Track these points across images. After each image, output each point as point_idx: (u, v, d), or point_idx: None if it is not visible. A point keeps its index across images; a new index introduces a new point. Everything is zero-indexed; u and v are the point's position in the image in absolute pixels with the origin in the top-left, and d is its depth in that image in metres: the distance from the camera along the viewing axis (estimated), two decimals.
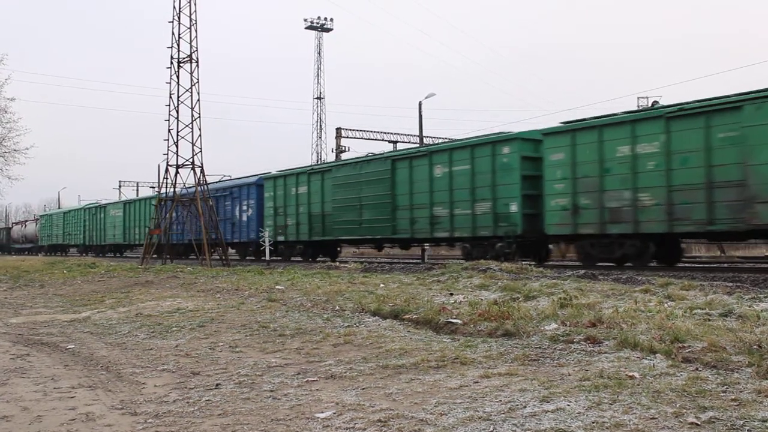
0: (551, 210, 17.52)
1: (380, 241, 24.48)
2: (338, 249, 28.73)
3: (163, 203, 27.45)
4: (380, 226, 22.53)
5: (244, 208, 30.08)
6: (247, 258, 30.80)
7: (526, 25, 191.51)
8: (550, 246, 20.60)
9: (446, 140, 36.22)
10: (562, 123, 17.77)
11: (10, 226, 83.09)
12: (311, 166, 27.04)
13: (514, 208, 18.30)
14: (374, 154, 24.33)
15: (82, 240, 51.17)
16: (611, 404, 4.13)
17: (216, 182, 33.72)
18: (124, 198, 67.71)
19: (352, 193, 23.85)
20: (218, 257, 26.39)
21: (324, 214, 25.22)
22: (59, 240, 56.72)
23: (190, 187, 28.30)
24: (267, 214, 28.31)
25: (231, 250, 32.57)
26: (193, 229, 28.68)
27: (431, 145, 20.92)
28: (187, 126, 25.89)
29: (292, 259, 27.50)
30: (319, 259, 27.26)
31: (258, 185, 29.44)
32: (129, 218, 42.67)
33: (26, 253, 67.85)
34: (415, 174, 21.32)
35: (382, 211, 22.42)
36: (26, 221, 75.43)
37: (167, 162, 26.15)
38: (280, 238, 27.31)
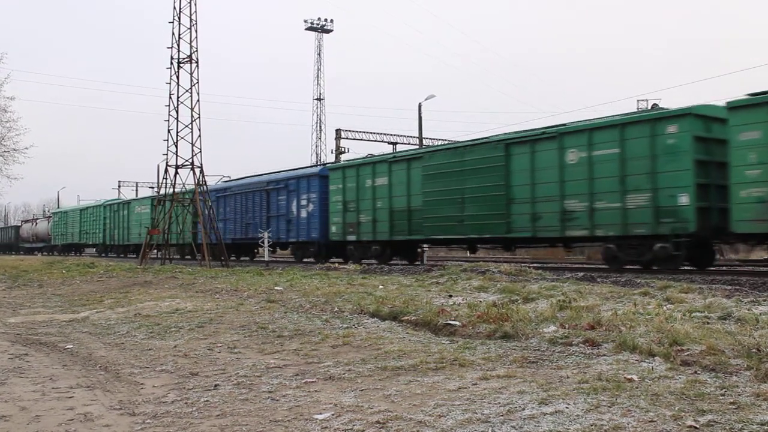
0: (742, 203, 14.06)
1: (488, 241, 20.44)
2: (420, 250, 24.64)
3: (161, 203, 27.34)
4: (489, 224, 18.87)
5: (303, 202, 26.07)
6: (305, 260, 26.65)
7: (525, 30, 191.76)
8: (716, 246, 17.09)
9: (447, 142, 36.20)
10: (749, 95, 14.31)
11: (19, 224, 78.42)
12: (393, 153, 23.06)
13: (684, 200, 14.92)
14: (484, 139, 20.00)
15: (101, 239, 46.83)
16: (610, 407, 4.13)
17: (268, 173, 29.92)
18: (122, 197, 67.37)
19: (451, 184, 20.07)
20: (219, 260, 26.33)
21: (410, 210, 21.58)
22: (75, 239, 52.47)
23: (214, 185, 27.29)
24: (333, 210, 24.57)
25: (281, 251, 30.66)
26: (239, 227, 27.97)
27: (559, 125, 17.58)
28: (186, 126, 25.90)
29: (364, 261, 23.49)
30: (394, 262, 23.60)
31: (322, 176, 25.59)
32: (162, 215, 39.10)
33: (36, 253, 63.45)
34: (538, 160, 17.81)
35: (493, 206, 18.70)
36: (37, 219, 71.28)
37: (167, 162, 26.15)
38: (351, 238, 23.82)
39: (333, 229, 24.54)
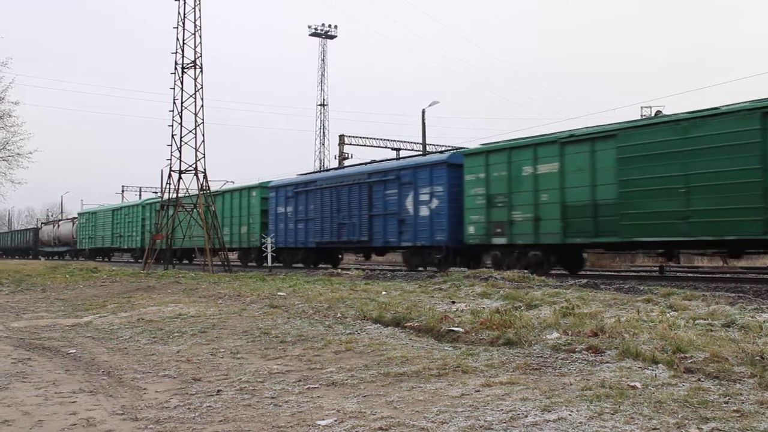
0: None
1: (728, 244, 15.28)
2: (582, 256, 19.93)
3: (164, 208, 27.32)
4: (733, 221, 14.36)
5: (424, 197, 21.49)
6: (429, 269, 21.72)
7: (528, 38, 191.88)
8: None
9: (450, 148, 36.23)
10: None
11: (39, 226, 72.36)
12: (570, 131, 17.95)
13: None
14: (727, 108, 14.94)
15: (139, 242, 41.09)
16: (613, 414, 4.12)
17: (370, 162, 26.10)
18: (126, 200, 67.08)
19: (666, 169, 15.39)
20: (220, 263, 26.34)
21: (597, 204, 16.79)
22: (105, 242, 47.20)
23: (289, 179, 25.54)
24: (471, 206, 19.97)
25: (377, 257, 27.49)
26: (326, 229, 24.57)
27: None
28: (190, 131, 25.94)
29: (516, 269, 16.98)
30: (554, 271, 19.20)
31: (451, 165, 20.95)
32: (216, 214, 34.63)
33: (56, 258, 60.07)
34: None
35: (740, 197, 14.19)
36: (59, 220, 65.12)
37: (170, 167, 26.19)
38: (498, 241, 19.19)
39: (470, 230, 19.94)
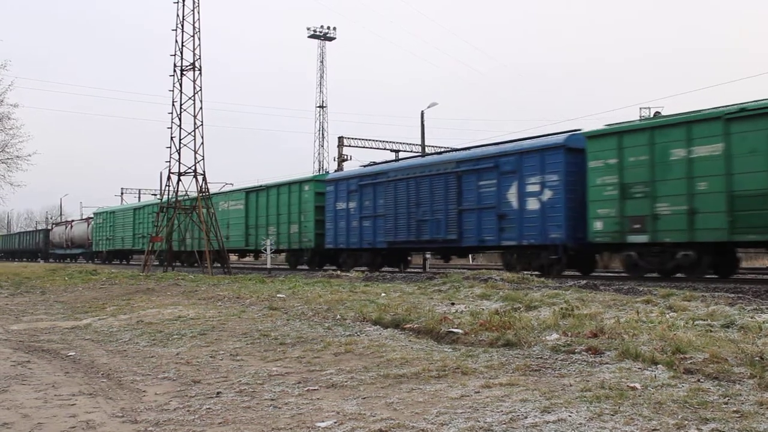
0: None
1: None
2: (736, 257, 16.77)
3: (164, 210, 27.27)
4: None
5: (533, 187, 18.31)
6: (534, 272, 17.91)
7: (528, 40, 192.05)
8: None
9: (449, 149, 36.25)
10: None
11: (49, 227, 67.98)
12: (739, 105, 14.77)
13: None
14: None
15: (197, 242, 35.51)
16: (613, 415, 4.12)
17: (458, 149, 22.79)
18: (127, 203, 66.34)
19: None
20: (219, 266, 26.33)
21: None
22: (126, 243, 43.42)
23: (353, 170, 23.06)
24: (597, 197, 16.84)
25: (458, 259, 25.57)
26: (402, 226, 21.42)
27: None
28: (189, 134, 25.94)
29: (657, 272, 16.12)
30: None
31: (570, 149, 17.73)
32: (257, 212, 30.22)
33: (68, 260, 56.52)
34: None
35: None
36: (72, 221, 60.94)
37: (169, 169, 26.18)
38: (637, 238, 16.06)
39: (597, 225, 16.81)
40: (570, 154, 17.70)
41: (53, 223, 67.58)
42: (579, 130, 18.24)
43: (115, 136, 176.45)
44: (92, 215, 52.80)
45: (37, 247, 66.22)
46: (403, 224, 22.42)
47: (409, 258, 26.10)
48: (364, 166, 26.71)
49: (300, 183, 27.96)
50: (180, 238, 28.38)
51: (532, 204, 18.33)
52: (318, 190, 26.71)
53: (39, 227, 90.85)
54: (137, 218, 42.13)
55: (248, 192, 31.28)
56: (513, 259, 19.26)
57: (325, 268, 25.80)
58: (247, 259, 37.95)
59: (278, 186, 29.12)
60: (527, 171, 18.56)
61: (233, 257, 35.99)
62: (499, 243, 19.49)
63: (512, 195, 18.85)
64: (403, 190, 22.55)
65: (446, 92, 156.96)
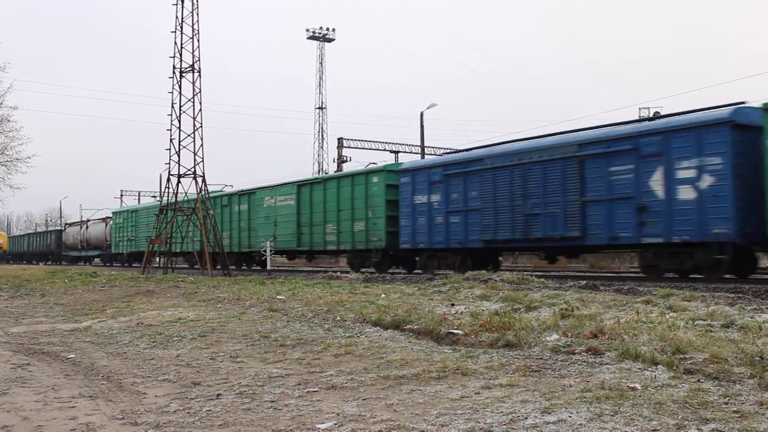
0: None
1: None
2: None
3: (164, 212, 27.24)
4: None
5: (686, 173, 15.19)
6: (695, 278, 15.66)
7: (527, 42, 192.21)
8: None
9: (450, 150, 36.20)
10: None
11: (62, 227, 63.78)
12: None
13: None
14: None
15: (199, 244, 30.85)
16: (613, 416, 4.12)
17: (578, 130, 18.84)
18: (124, 205, 65.75)
19: None
20: (219, 267, 26.33)
21: None
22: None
23: (440, 158, 20.38)
24: None
25: (567, 259, 22.46)
26: (504, 222, 18.29)
27: None
28: (189, 136, 25.96)
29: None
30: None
31: (738, 126, 14.67)
32: (311, 208, 26.17)
33: (83, 263, 53.18)
34: None
35: None
36: (88, 221, 56.04)
37: (169, 171, 26.20)
38: None
39: None
40: (738, 132, 14.61)
41: (66, 224, 62.29)
42: (743, 102, 15.25)
43: (114, 139, 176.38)
44: (111, 214, 48.72)
45: (49, 249, 62.58)
46: (505, 220, 18.90)
47: (500, 258, 22.78)
48: (449, 152, 23.10)
49: (367, 174, 24.10)
50: (181, 240, 28.14)
51: (686, 193, 15.12)
52: (389, 182, 22.99)
53: (39, 229, 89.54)
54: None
55: (301, 185, 27.11)
56: (655, 259, 16.31)
57: (393, 271, 22.59)
58: (294, 260, 33.12)
59: (339, 178, 25.57)
60: (677, 153, 15.32)
61: (280, 259, 33.17)
62: (638, 240, 16.10)
63: (657, 182, 15.63)
64: (505, 179, 18.98)
65: (445, 93, 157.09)
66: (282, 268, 32.53)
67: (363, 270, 23.03)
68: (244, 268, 31.11)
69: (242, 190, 31.96)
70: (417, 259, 23.33)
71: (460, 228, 20.32)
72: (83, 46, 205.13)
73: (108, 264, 44.97)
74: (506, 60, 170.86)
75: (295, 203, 27.04)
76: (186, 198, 27.15)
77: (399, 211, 22.41)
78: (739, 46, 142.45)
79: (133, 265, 40.73)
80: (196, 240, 28.34)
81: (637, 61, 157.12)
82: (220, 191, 33.31)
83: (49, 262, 59.55)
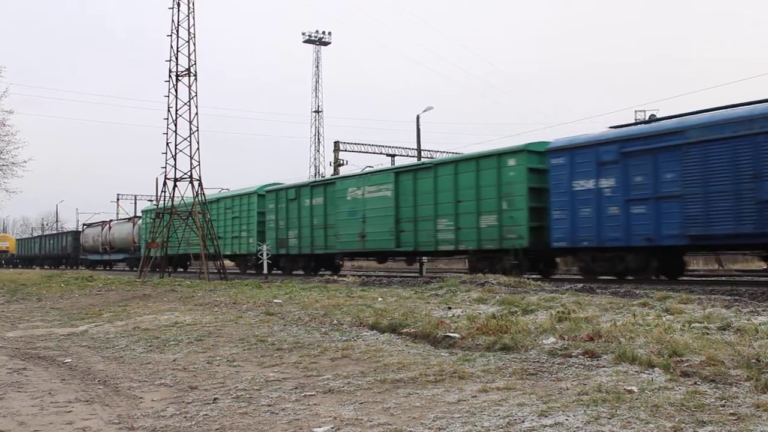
0: None
1: None
2: None
3: (160, 216, 27.14)
4: None
5: None
6: None
7: (526, 46, 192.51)
8: None
9: (450, 153, 36.22)
10: None
11: (80, 228, 57.58)
12: None
13: None
14: None
15: (254, 245, 28.37)
16: (610, 419, 4.12)
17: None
18: (122, 211, 64.96)
19: None
20: (216, 270, 26.28)
21: None
22: (191, 246, 31.50)
23: (597, 134, 16.52)
24: None
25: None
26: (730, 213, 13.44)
27: None
28: (185, 139, 25.92)
29: None
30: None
31: None
32: (415, 200, 21.45)
33: (103, 267, 48.56)
34: None
35: None
36: (111, 221, 51.05)
37: (165, 175, 26.15)
38: None
39: None
40: None
41: (85, 225, 56.29)
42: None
43: (110, 142, 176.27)
44: (140, 213, 43.50)
45: (64, 252, 57.66)
46: (726, 209, 14.64)
47: (684, 258, 18.53)
48: (618, 126, 17.78)
49: (500, 156, 19.17)
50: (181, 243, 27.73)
51: None
52: (532, 165, 18.40)
53: (35, 233, 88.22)
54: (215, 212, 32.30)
55: (400, 172, 22.35)
56: None
57: (529, 276, 17.40)
58: (389, 264, 27.97)
59: (456, 162, 20.69)
60: None
61: (369, 264, 30.11)
62: None
63: None
64: (724, 155, 14.63)
65: (442, 97, 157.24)
66: (372, 273, 26.85)
67: (491, 273, 17.06)
68: (314, 273, 26.16)
69: (316, 181, 27.80)
70: (558, 260, 19.86)
71: (649, 220, 15.93)
72: (78, 50, 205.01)
73: (135, 269, 37.09)
74: (505, 63, 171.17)
75: (393, 194, 22.08)
76: (192, 201, 26.67)
77: (549, 201, 17.86)
78: (739, 49, 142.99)
79: (175, 270, 34.61)
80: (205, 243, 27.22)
81: (636, 63, 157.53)
82: (274, 184, 29.11)
83: (63, 267, 55.22)
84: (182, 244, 27.14)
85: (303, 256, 26.78)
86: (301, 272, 26.85)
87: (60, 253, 59.04)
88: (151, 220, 36.09)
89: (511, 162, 18.72)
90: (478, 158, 19.82)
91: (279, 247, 27.05)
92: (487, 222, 19.19)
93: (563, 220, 17.55)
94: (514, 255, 18.34)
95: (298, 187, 27.20)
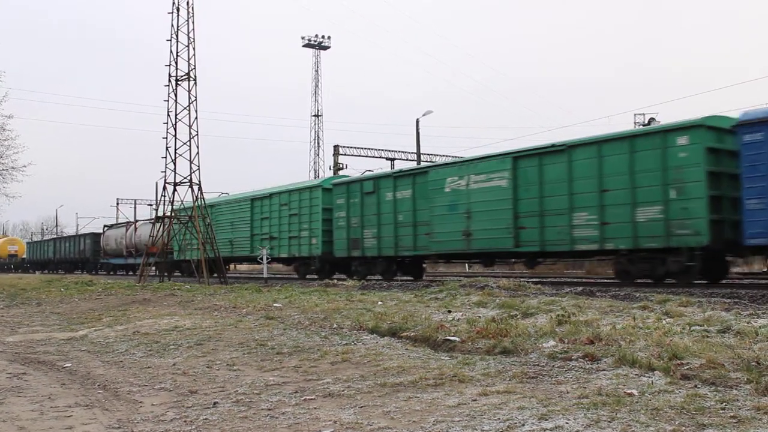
0: None
1: None
2: None
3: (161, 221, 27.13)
4: None
5: None
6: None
7: (525, 51, 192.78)
8: None
9: (450, 157, 36.26)
10: None
11: (101, 230, 51.88)
12: None
13: None
14: None
15: (319, 246, 25.18)
16: (610, 422, 4.12)
17: None
18: (122, 215, 64.84)
19: None
20: (218, 277, 26.28)
21: None
22: (238, 249, 30.09)
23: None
24: None
25: None
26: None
27: None
28: (185, 144, 25.94)
29: None
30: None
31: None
32: (540, 190, 17.91)
33: (123, 272, 46.38)
34: None
35: None
36: (136, 221, 47.53)
37: (165, 180, 26.16)
38: None
39: None
40: None
41: (106, 226, 51.95)
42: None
43: (110, 147, 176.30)
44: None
45: (82, 256, 53.45)
46: None
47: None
48: None
49: (665, 133, 15.63)
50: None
51: None
52: (710, 145, 15.01)
53: (35, 238, 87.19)
54: (258, 211, 28.91)
55: (519, 157, 18.61)
56: None
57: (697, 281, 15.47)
58: (492, 266, 23.05)
59: (599, 143, 16.90)
60: None
61: (471, 268, 26.33)
62: None
63: None
64: None
65: (442, 101, 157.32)
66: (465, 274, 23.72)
67: (650, 277, 15.54)
68: (398, 279, 22.06)
69: (402, 171, 23.15)
70: (727, 259, 16.67)
71: None
72: (78, 54, 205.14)
73: (166, 275, 29.94)
74: (504, 68, 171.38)
75: (510, 184, 18.52)
76: (200, 204, 26.22)
77: (741, 188, 14.58)
78: (739, 54, 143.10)
79: (213, 275, 28.75)
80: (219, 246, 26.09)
81: (636, 66, 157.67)
82: (340, 177, 27.03)
83: (78, 271, 52.09)
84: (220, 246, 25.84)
85: (383, 258, 22.79)
86: (379, 277, 22.96)
87: (77, 257, 54.95)
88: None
89: (683, 140, 15.24)
90: (632, 137, 16.36)
91: (351, 248, 23.58)
92: (646, 215, 15.71)
93: (763, 210, 14.15)
94: (687, 255, 15.01)
95: (377, 179, 23.45)
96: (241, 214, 30.23)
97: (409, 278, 22.74)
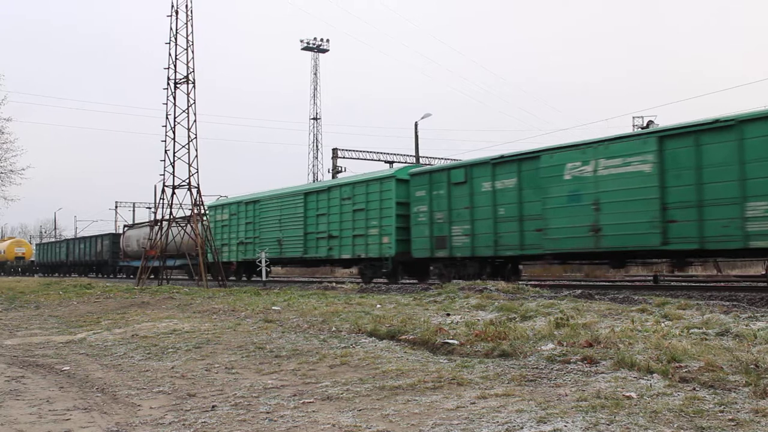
0: None
1: None
2: None
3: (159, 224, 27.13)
4: None
5: None
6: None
7: (524, 56, 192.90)
8: None
9: (449, 160, 36.28)
10: None
11: (121, 230, 47.96)
12: None
13: None
14: None
15: (393, 246, 21.80)
16: (608, 425, 4.11)
17: None
18: (121, 218, 64.53)
19: None
20: (216, 280, 26.26)
21: None
22: (288, 250, 26.68)
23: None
24: None
25: None
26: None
27: None
28: (183, 147, 25.95)
29: None
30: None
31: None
32: (698, 176, 14.64)
33: (150, 277, 35.81)
34: None
35: None
36: (163, 219, 40.95)
37: (164, 183, 26.17)
38: None
39: None
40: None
41: (126, 226, 48.42)
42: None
43: (108, 150, 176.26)
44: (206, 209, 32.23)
45: (99, 258, 49.98)
46: None
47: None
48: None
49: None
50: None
51: None
52: None
53: (34, 241, 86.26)
54: (312, 206, 25.56)
55: (666, 136, 15.42)
56: None
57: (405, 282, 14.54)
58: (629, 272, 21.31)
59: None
60: None
61: (551, 271, 23.21)
62: None
63: None
64: None
65: (440, 105, 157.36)
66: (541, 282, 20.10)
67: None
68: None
69: (502, 157, 19.03)
70: None
71: None
72: (76, 59, 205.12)
73: (197, 278, 27.39)
74: (503, 72, 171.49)
75: (655, 169, 15.43)
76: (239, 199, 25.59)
77: None
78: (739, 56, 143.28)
79: (252, 279, 28.20)
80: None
81: (635, 70, 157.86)
82: (415, 166, 24.46)
83: (93, 274, 49.16)
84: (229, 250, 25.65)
85: (476, 259, 19.50)
86: (466, 281, 17.94)
87: (93, 259, 51.14)
88: (227, 217, 30.36)
89: None
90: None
91: (436, 248, 20.40)
92: None
93: None
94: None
95: (470, 166, 19.78)
96: (291, 210, 26.65)
97: (502, 281, 17.25)
